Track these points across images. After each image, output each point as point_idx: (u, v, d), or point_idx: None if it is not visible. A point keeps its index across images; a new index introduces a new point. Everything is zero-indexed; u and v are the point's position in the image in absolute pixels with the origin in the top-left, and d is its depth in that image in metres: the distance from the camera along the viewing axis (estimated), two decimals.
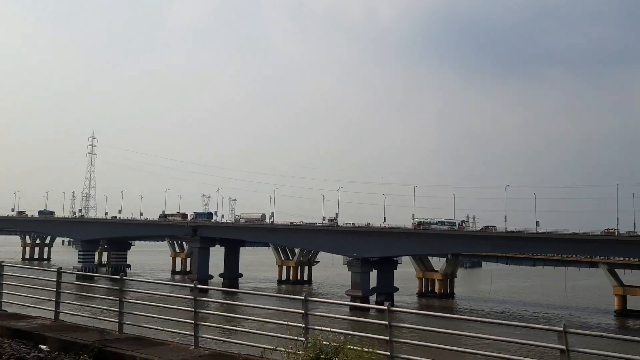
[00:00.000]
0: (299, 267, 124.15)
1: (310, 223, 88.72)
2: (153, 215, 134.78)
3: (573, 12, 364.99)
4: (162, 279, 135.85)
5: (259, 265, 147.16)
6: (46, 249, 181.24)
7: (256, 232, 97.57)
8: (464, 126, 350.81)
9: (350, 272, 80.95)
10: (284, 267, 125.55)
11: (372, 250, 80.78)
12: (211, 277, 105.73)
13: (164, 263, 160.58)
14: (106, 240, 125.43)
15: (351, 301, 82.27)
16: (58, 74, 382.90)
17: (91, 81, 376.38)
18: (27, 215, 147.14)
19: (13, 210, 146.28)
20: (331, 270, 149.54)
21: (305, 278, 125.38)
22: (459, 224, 73.00)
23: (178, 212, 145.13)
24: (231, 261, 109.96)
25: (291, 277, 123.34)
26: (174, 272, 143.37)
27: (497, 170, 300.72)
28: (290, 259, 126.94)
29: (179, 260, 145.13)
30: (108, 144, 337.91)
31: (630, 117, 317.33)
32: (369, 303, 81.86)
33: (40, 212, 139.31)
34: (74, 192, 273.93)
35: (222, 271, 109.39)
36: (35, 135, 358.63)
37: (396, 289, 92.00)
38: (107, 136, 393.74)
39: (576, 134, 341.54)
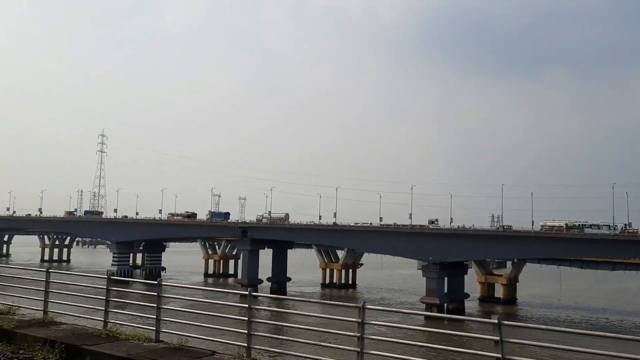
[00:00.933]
0: (344, 270, 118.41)
1: (384, 224, 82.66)
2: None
3: (574, 11, 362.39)
4: (195, 282, 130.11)
5: (300, 267, 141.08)
6: (65, 250, 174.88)
7: (316, 233, 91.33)
8: (463, 125, 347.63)
9: (396, 276, 75.15)
10: (328, 270, 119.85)
11: (451, 254, 74.97)
12: (261, 281, 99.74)
13: (195, 264, 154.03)
14: (142, 242, 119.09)
15: (426, 310, 76.68)
16: (61, 72, 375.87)
17: (93, 79, 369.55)
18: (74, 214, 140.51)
19: (40, 210, 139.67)
20: (372, 272, 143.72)
21: (350, 281, 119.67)
22: (621, 229, 66.61)
23: (187, 212, 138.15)
24: (279, 264, 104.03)
25: (336, 281, 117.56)
26: (206, 275, 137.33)
27: (494, 170, 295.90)
28: (333, 260, 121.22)
29: (211, 262, 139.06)
30: (119, 143, 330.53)
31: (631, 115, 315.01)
32: (444, 312, 76.14)
33: (86, 212, 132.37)
34: (81, 191, 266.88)
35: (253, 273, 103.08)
36: (41, 133, 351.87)
37: (467, 295, 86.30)
38: (110, 134, 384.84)
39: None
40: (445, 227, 78.42)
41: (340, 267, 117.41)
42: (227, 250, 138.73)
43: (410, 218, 79.74)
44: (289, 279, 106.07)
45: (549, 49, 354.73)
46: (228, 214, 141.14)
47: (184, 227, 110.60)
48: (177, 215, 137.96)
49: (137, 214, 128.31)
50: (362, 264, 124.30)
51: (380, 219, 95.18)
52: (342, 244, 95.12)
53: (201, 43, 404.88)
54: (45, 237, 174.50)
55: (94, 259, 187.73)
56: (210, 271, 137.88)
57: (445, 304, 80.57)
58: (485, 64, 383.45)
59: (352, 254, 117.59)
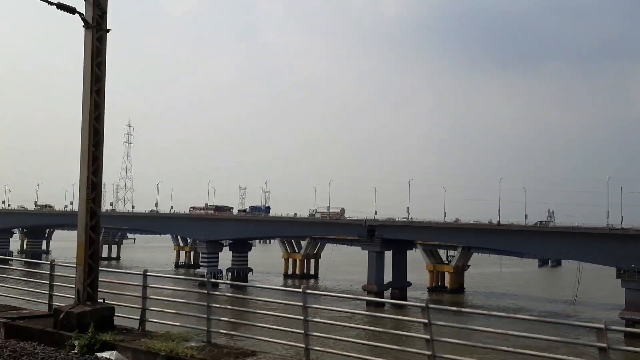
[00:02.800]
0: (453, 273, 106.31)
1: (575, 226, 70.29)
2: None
3: (573, 6, 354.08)
4: (277, 284, 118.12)
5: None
6: (115, 247, 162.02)
7: (471, 234, 78.80)
8: (462, 121, 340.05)
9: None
10: (435, 273, 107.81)
11: None
12: (387, 287, 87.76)
13: (268, 262, 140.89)
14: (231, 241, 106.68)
15: (626, 326, 64.72)
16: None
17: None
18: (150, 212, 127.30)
19: (111, 206, 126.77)
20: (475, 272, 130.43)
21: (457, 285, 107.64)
22: None
23: (209, 205, 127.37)
24: (399, 267, 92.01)
25: (447, 285, 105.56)
26: (286, 276, 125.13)
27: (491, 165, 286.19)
28: (438, 261, 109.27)
29: (291, 261, 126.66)
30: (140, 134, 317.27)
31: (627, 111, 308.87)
32: None
33: (217, 208, 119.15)
34: (104, 184, 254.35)
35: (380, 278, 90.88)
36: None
37: None
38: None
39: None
40: None
41: (452, 270, 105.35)
42: (308, 250, 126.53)
43: (607, 217, 67.95)
44: (409, 284, 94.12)
45: (551, 44, 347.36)
46: (269, 207, 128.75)
47: (292, 225, 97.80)
48: (201, 209, 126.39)
49: (233, 209, 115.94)
50: (469, 265, 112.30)
51: (526, 216, 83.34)
52: (508, 247, 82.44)
53: (198, 29, 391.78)
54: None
55: (141, 255, 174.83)
56: (290, 271, 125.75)
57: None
58: (486, 57, 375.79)
59: (465, 254, 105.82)
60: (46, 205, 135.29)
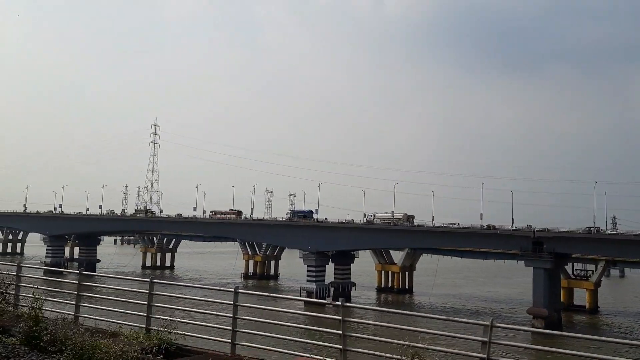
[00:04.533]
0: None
1: None
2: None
3: (576, 9, 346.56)
4: (372, 299, 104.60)
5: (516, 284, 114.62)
6: (168, 255, 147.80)
7: None
8: (463, 123, 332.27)
9: None
10: (567, 290, 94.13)
11: None
12: (559, 310, 73.93)
13: (359, 272, 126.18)
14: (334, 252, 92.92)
15: None
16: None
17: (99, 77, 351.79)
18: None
19: (153, 212, 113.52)
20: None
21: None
22: None
23: (231, 210, 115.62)
24: (553, 285, 78.14)
25: (586, 304, 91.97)
26: (380, 290, 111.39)
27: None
28: (566, 276, 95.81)
29: (383, 273, 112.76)
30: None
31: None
32: None
33: (297, 213, 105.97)
34: (126, 186, 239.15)
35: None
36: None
37: None
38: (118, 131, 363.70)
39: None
40: None
41: (592, 286, 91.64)
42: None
43: None
44: (563, 305, 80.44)
45: (554, 45, 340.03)
46: (311, 212, 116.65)
47: (432, 235, 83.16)
48: (222, 213, 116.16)
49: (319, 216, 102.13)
50: (600, 281, 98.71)
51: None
52: None
53: (203, 37, 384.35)
54: (140, 238, 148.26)
55: (194, 264, 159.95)
56: (383, 284, 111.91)
57: None
58: (489, 59, 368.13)
59: (606, 269, 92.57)
60: (147, 210, 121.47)
